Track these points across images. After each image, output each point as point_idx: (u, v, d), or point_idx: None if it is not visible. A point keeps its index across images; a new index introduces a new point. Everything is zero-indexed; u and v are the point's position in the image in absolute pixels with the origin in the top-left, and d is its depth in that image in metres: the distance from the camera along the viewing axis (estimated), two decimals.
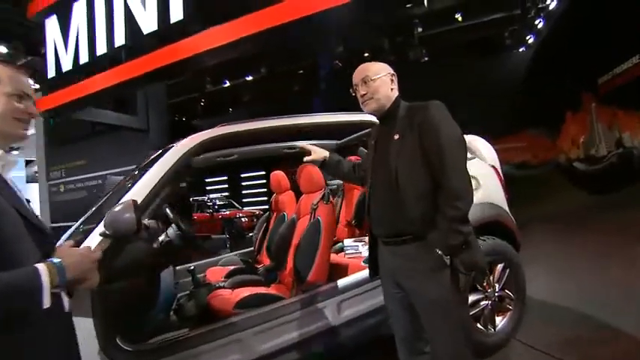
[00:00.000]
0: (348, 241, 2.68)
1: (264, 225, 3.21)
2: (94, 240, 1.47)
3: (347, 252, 2.55)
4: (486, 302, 2.13)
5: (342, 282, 2.00)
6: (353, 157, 3.40)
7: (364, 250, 2.50)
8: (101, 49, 5.29)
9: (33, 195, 10.26)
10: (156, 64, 4.99)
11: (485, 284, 2.15)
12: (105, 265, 1.46)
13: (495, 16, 7.46)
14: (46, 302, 0.81)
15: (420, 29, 7.06)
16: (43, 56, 6.37)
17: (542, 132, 11.23)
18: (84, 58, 5.49)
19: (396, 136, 1.39)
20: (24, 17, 6.85)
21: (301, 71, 11.40)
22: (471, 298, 2.09)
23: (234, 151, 3.20)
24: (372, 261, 1.59)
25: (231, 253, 3.20)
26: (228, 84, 12.28)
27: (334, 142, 3.55)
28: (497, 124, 9.20)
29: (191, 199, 11.23)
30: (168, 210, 1.90)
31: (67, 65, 5.71)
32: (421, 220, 1.34)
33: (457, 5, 6.55)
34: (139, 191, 1.58)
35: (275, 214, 3.15)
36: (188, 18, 4.66)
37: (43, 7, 6.08)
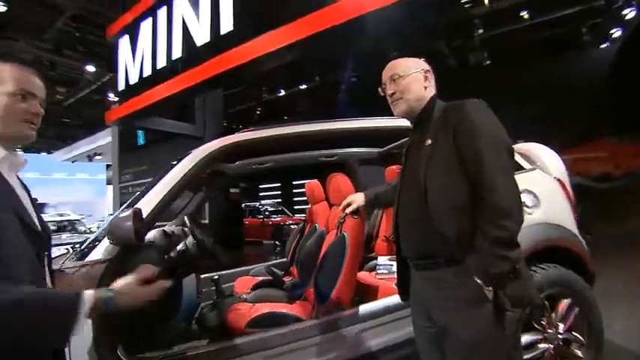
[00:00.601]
0: (382, 259, 2.44)
1: (298, 236, 3.08)
2: (103, 246, 1.46)
3: (378, 271, 2.31)
4: (546, 346, 1.75)
5: (368, 307, 1.78)
6: (395, 167, 3.16)
7: None
8: (161, 62, 5.66)
9: (109, 195, 11.38)
10: (208, 73, 5.19)
11: (545, 323, 1.78)
12: (112, 271, 1.45)
13: (570, 11, 6.64)
14: (77, 332, 0.78)
15: (480, 30, 6.53)
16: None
17: (626, 138, 9.70)
18: (147, 71, 5.92)
19: (429, 142, 1.18)
20: (104, 39, 7.65)
21: (354, 79, 11.29)
22: (527, 338, 1.73)
23: (269, 158, 3.14)
24: (403, 285, 1.36)
25: (263, 264, 3.11)
26: (283, 93, 12.64)
27: (376, 149, 3.34)
28: (573, 130, 8.16)
29: (243, 204, 11.61)
30: (186, 218, 1.85)
31: (133, 78, 6.21)
32: (456, 240, 1.10)
33: (523, 3, 5.93)
34: (149, 199, 1.53)
35: (309, 225, 3.01)
36: (238, 28, 4.77)
37: (117, 29, 6.71)
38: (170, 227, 2.20)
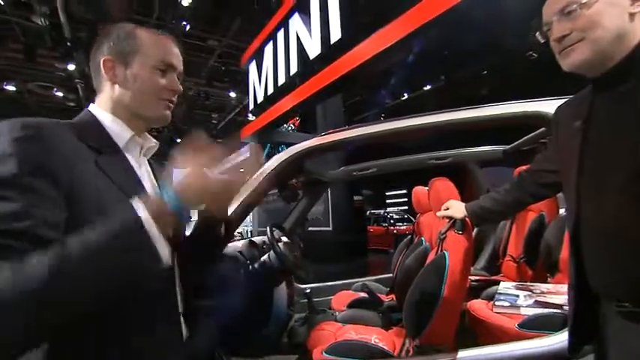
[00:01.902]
0: (504, 286, 1.90)
1: (405, 249, 2.74)
2: None
3: (496, 302, 1.79)
4: None
5: (476, 353, 1.37)
6: (525, 167, 2.52)
7: (525, 305, 1.70)
8: (281, 79, 6.10)
9: None
10: (322, 82, 5.31)
11: None
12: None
13: None
14: (160, 249, 0.57)
15: None
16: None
17: None
18: (270, 90, 6.48)
19: None
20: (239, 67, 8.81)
21: (485, 72, 9.94)
22: None
23: (373, 164, 2.94)
24: (579, 333, 0.90)
25: (367, 278, 2.88)
26: (406, 96, 12.16)
27: (500, 147, 2.76)
28: None
29: (368, 212, 11.54)
30: (268, 229, 1.81)
31: (260, 97, 6.89)
32: None
33: None
34: None
35: (417, 237, 2.65)
36: (346, 36, 4.74)
37: (247, 57, 7.61)
38: (260, 238, 2.22)
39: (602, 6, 0.72)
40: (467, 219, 1.49)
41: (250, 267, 1.74)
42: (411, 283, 1.86)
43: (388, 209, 13.21)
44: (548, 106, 1.47)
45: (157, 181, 0.82)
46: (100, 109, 0.75)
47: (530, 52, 7.95)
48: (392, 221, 10.87)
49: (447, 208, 1.55)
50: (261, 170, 1.72)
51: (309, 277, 2.03)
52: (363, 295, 2.41)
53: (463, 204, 1.48)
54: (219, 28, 9.23)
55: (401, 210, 12.90)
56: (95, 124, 0.73)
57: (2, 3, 7.11)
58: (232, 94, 11.96)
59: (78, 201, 0.59)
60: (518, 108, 1.59)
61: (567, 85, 1.23)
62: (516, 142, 2.48)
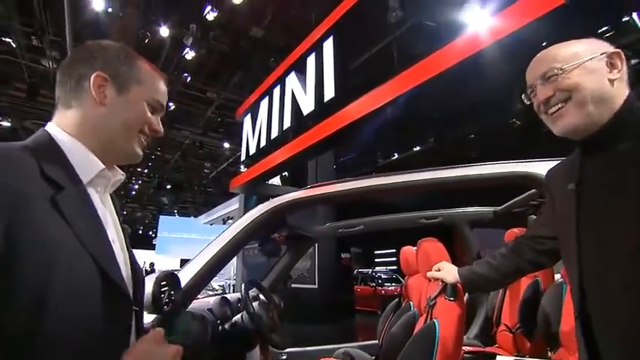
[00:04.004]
0: None
1: (391, 315, 2.55)
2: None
3: None
4: None
5: None
6: (517, 229, 2.45)
7: None
8: (274, 132, 6.21)
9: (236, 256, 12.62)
10: (313, 138, 5.40)
11: None
12: None
13: None
14: None
15: (634, 61, 5.26)
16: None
17: None
18: (263, 142, 6.56)
19: None
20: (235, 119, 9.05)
21: (472, 136, 10.37)
22: None
23: (361, 221, 2.85)
24: None
25: (351, 344, 2.63)
26: (397, 156, 12.48)
27: (490, 209, 2.71)
28: None
29: (356, 270, 11.17)
30: (243, 287, 1.65)
31: (252, 150, 6.96)
32: None
33: None
34: (191, 264, 1.39)
35: (405, 301, 2.48)
36: (338, 94, 4.92)
37: (243, 110, 7.86)
38: (235, 294, 2.04)
39: (581, 72, 0.75)
40: (459, 284, 1.38)
41: (220, 327, 1.56)
42: (398, 354, 1.68)
43: (376, 268, 12.83)
44: (537, 167, 1.45)
45: (119, 218, 0.74)
46: (61, 130, 0.64)
47: (514, 120, 8.40)
48: (380, 281, 10.50)
49: (439, 269, 1.44)
50: (241, 220, 1.62)
51: (285, 342, 1.83)
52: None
53: (455, 267, 1.37)
54: (219, 81, 9.65)
55: (389, 270, 12.53)
56: (56, 150, 0.61)
57: (15, 45, 7.39)
58: (226, 145, 12.14)
59: (17, 248, 0.48)
60: (507, 168, 1.56)
61: (550, 149, 1.24)
62: (507, 204, 2.44)
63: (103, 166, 0.65)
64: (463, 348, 2.21)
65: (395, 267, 13.73)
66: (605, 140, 0.76)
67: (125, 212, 24.33)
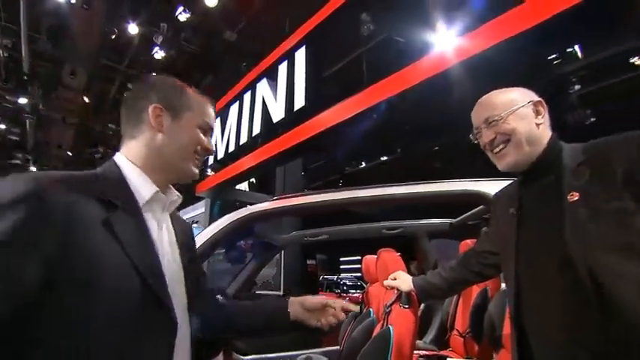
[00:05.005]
0: None
1: (352, 321, 2.64)
2: None
3: None
4: None
5: None
6: (470, 241, 2.63)
7: None
8: (243, 138, 6.20)
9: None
10: (282, 146, 5.45)
11: None
12: None
13: None
14: None
15: (578, 86, 5.77)
16: None
17: None
18: (231, 147, 6.53)
19: (573, 197, 0.81)
20: None
21: (437, 148, 10.85)
22: None
23: (326, 230, 2.94)
24: None
25: (313, 350, 2.69)
26: (364, 165, 12.75)
27: (447, 220, 2.89)
28: None
29: (321, 277, 11.26)
30: None
31: (220, 154, 6.89)
32: None
33: (632, 49, 5.13)
34: None
35: (365, 308, 2.58)
36: (309, 104, 5.02)
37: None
38: None
39: (515, 118, 0.90)
40: (413, 293, 1.49)
41: None
42: (356, 358, 1.76)
43: (342, 275, 12.98)
44: (486, 186, 1.60)
45: (176, 237, 0.79)
46: (127, 160, 0.73)
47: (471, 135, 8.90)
48: (345, 288, 10.63)
49: (394, 279, 1.54)
50: (207, 231, 1.65)
51: (249, 348, 1.85)
52: None
53: (410, 277, 1.48)
54: (189, 83, 9.46)
55: (354, 277, 12.73)
56: (118, 178, 0.70)
57: None
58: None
59: (70, 265, 0.55)
60: (460, 186, 1.71)
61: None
62: (462, 217, 2.62)
63: (157, 189, 0.72)
64: (419, 352, 2.34)
65: (360, 274, 13.97)
66: (535, 175, 0.91)
67: None
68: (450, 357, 2.12)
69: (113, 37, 7.70)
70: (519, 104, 0.90)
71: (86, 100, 9.93)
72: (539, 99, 0.92)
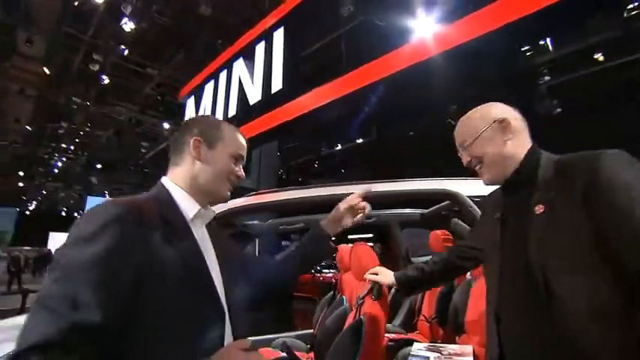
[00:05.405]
0: (417, 347, 1.98)
1: (326, 307, 2.74)
2: None
3: None
4: None
5: None
6: (440, 232, 2.76)
7: None
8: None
9: None
10: (259, 129, 5.39)
11: None
12: None
13: None
14: None
15: (547, 78, 6.00)
16: None
17: None
18: None
19: (539, 209, 0.86)
20: (176, 99, 8.59)
21: (412, 132, 11.04)
22: None
23: (299, 219, 2.98)
24: None
25: (288, 334, 2.79)
26: (340, 147, 12.81)
27: (418, 211, 2.99)
28: None
29: None
30: None
31: None
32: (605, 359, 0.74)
33: (597, 44, 5.36)
34: None
35: (339, 295, 2.68)
36: (286, 87, 4.95)
37: (186, 91, 7.49)
38: None
39: (482, 142, 0.96)
40: (385, 288, 1.57)
41: None
42: (330, 345, 1.86)
43: None
44: (454, 184, 1.69)
45: (214, 247, 0.91)
46: (173, 183, 0.87)
47: (450, 120, 9.09)
48: (319, 268, 10.84)
49: (376, 273, 1.58)
50: None
51: None
52: (282, 355, 2.32)
53: (391, 272, 1.50)
54: (160, 57, 9.03)
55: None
56: (168, 199, 0.83)
57: None
58: (166, 125, 11.46)
59: (147, 279, 0.68)
60: (430, 185, 1.78)
61: None
62: (432, 208, 2.73)
63: (200, 207, 0.86)
64: (388, 335, 2.48)
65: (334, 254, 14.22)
66: (511, 188, 0.97)
67: (45, 192, 21.92)
68: (417, 340, 2.26)
69: (76, 3, 7.18)
70: (483, 127, 0.95)
71: (46, 70, 9.29)
72: (503, 117, 0.95)
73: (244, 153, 0.94)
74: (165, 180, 0.88)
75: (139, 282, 0.67)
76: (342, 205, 1.12)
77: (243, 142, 0.95)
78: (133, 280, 0.67)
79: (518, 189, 0.95)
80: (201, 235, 0.87)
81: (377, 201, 1.82)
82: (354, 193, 1.16)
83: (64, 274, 0.62)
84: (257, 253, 7.16)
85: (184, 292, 0.74)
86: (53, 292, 0.61)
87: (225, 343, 0.79)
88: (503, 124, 0.94)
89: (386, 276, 1.48)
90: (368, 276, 1.55)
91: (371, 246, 2.01)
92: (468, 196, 1.67)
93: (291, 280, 1.16)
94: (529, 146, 0.95)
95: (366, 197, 1.16)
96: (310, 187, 1.84)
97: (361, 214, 1.12)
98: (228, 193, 0.93)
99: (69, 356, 0.57)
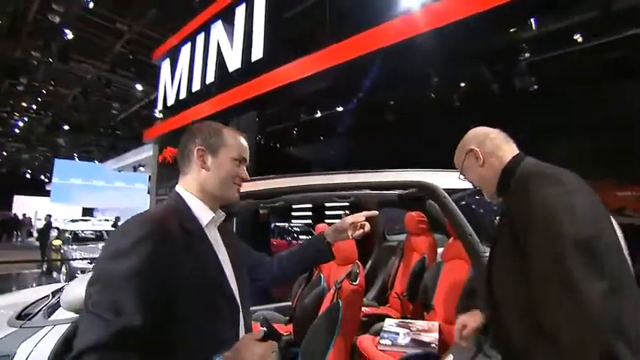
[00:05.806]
0: (389, 323, 2.14)
1: (304, 284, 2.86)
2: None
3: (381, 340, 2.00)
4: None
5: None
6: (415, 213, 2.87)
7: (404, 343, 1.94)
8: (196, 85, 5.82)
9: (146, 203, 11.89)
10: (239, 98, 5.24)
11: None
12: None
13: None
14: None
15: (527, 54, 6.06)
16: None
17: None
18: (183, 94, 6.12)
19: (502, 223, 1.01)
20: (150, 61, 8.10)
21: (392, 102, 11.02)
22: None
23: (281, 198, 3.00)
24: None
25: (267, 306, 2.91)
26: (319, 114, 12.65)
27: (396, 192, 3.07)
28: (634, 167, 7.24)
29: (273, 224, 11.58)
30: None
31: (170, 100, 6.45)
32: (532, 353, 0.84)
33: (577, 25, 5.41)
34: None
35: (316, 272, 2.79)
36: (267, 56, 4.78)
37: (161, 52, 7.07)
38: None
39: (466, 172, 1.10)
40: (358, 271, 1.68)
41: None
42: (309, 322, 1.97)
43: (292, 222, 13.43)
44: (428, 176, 1.75)
45: (226, 247, 0.98)
46: (185, 190, 0.93)
47: (430, 94, 9.11)
48: (295, 235, 11.07)
49: (464, 325, 1.18)
50: None
51: None
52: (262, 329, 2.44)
53: (476, 311, 1.16)
54: (130, 12, 8.37)
55: (305, 224, 13.25)
56: (186, 208, 0.90)
57: None
58: (138, 86, 10.87)
59: (174, 286, 0.76)
60: (405, 176, 1.84)
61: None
62: (410, 190, 2.81)
63: (213, 214, 0.93)
64: (363, 310, 2.64)
65: (309, 221, 14.53)
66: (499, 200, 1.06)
67: (6, 153, 20.67)
68: (389, 315, 2.42)
69: None
70: (462, 159, 1.09)
71: None
72: (470, 147, 1.06)
73: (247, 155, 0.99)
74: (179, 189, 0.95)
75: (168, 289, 0.76)
76: (349, 220, 1.21)
77: (245, 144, 0.99)
78: (163, 287, 0.75)
79: (503, 202, 1.03)
80: (214, 237, 0.95)
81: (353, 190, 1.87)
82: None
83: (107, 284, 0.71)
84: (234, 229, 7.21)
85: (205, 294, 0.83)
86: (99, 301, 0.70)
87: (240, 336, 0.89)
88: (472, 153, 1.05)
89: (474, 320, 1.13)
90: (464, 332, 1.12)
91: None
92: (444, 189, 1.74)
93: (289, 277, 1.25)
94: (510, 157, 1.01)
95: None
96: (290, 176, 1.86)
97: (361, 231, 1.21)
98: (237, 194, 0.98)
99: (118, 354, 0.67)
